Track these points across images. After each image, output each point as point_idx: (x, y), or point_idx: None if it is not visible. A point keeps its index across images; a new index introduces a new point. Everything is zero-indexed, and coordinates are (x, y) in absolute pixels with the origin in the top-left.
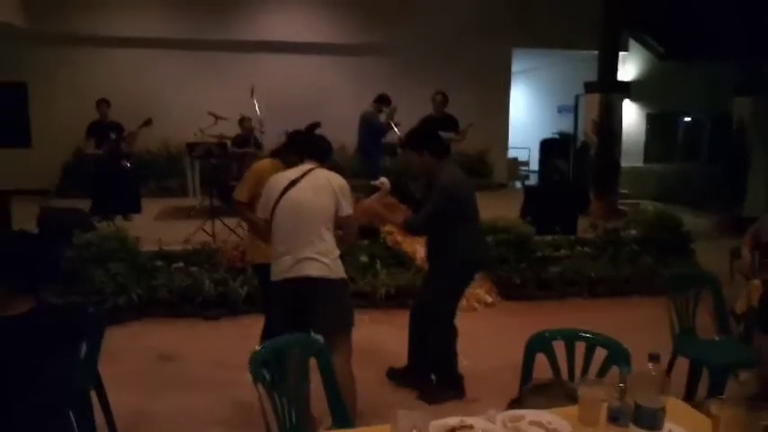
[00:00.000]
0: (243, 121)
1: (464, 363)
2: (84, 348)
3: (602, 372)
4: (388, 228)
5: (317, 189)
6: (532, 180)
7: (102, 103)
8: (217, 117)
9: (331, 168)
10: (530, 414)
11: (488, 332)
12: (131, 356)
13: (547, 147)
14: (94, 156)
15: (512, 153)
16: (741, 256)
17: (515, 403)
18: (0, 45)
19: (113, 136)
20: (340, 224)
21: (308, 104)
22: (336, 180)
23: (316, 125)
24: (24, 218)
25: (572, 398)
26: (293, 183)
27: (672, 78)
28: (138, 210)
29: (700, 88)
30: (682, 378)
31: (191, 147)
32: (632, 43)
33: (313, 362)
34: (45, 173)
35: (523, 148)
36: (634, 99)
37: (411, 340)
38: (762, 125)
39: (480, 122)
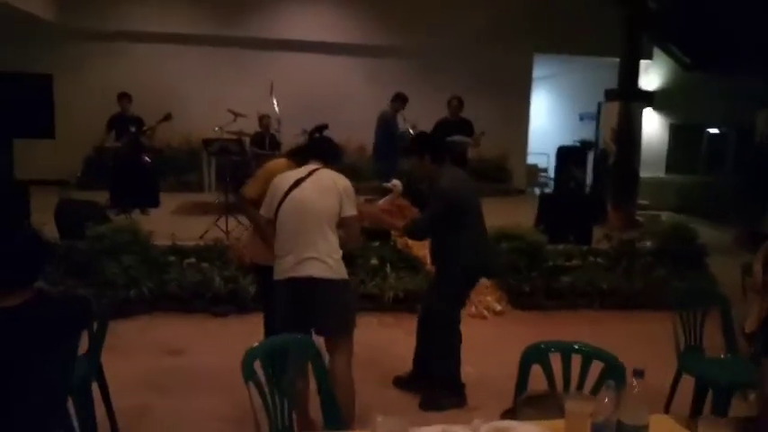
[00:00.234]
0: (262, 118)
1: (468, 370)
2: (81, 340)
3: (598, 385)
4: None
5: (322, 189)
6: (552, 187)
7: (124, 97)
8: (236, 114)
9: (337, 170)
10: (515, 426)
11: (495, 340)
12: (139, 350)
13: (563, 154)
14: (113, 149)
15: (532, 159)
16: (753, 273)
17: (509, 414)
18: (29, 37)
19: (133, 130)
20: (342, 225)
21: (326, 104)
22: (341, 181)
23: (323, 127)
24: (44, 208)
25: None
26: (298, 182)
27: (696, 89)
28: (156, 204)
29: (724, 100)
30: (688, 396)
31: (207, 143)
32: (657, 52)
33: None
34: (68, 164)
35: (543, 155)
36: (657, 109)
37: (418, 345)
38: None
39: (500, 128)
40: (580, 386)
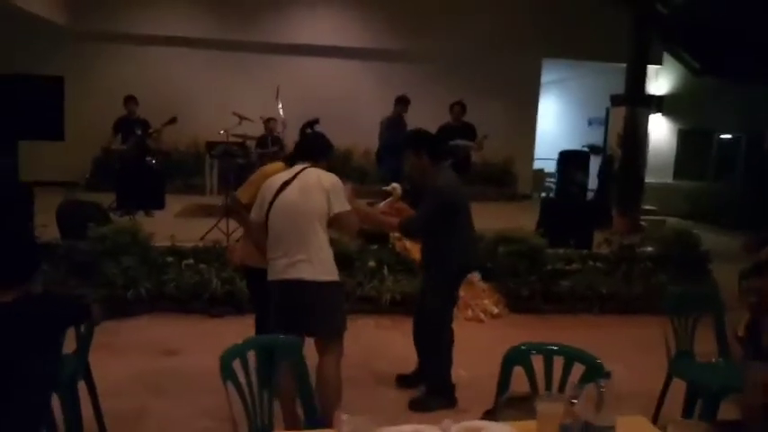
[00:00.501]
0: (267, 122)
1: (462, 373)
2: (65, 338)
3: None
4: (397, 234)
5: (308, 190)
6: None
7: (130, 100)
8: (241, 117)
9: (328, 168)
10: (485, 426)
11: (490, 343)
12: (135, 350)
13: (565, 159)
14: (119, 151)
15: (540, 164)
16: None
17: (490, 414)
18: (41, 40)
19: (139, 132)
20: (332, 223)
21: (333, 108)
22: (327, 178)
23: (314, 122)
24: (51, 209)
25: None
26: (285, 184)
27: (705, 94)
28: (161, 206)
29: (734, 106)
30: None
31: (210, 146)
32: (667, 57)
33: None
34: (77, 166)
35: (551, 159)
36: (666, 114)
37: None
38: None
39: (507, 132)
40: (562, 388)
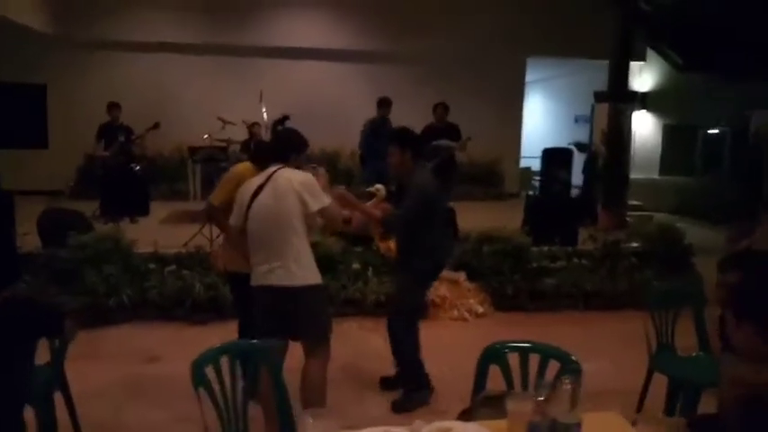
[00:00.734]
0: (252, 126)
1: (445, 372)
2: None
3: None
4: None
5: (281, 193)
6: None
7: (114, 107)
8: (225, 122)
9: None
10: (456, 426)
11: (475, 342)
12: (116, 357)
13: (549, 156)
14: (102, 158)
15: (527, 162)
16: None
17: (466, 414)
18: (22, 48)
19: (122, 138)
20: (311, 222)
21: (320, 110)
22: (297, 178)
23: (284, 118)
24: (34, 218)
25: None
26: (259, 189)
27: (690, 90)
28: (146, 212)
29: (719, 101)
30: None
31: (192, 150)
32: (651, 53)
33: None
34: (61, 174)
35: (537, 158)
36: (651, 110)
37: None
38: None
39: (493, 131)
40: (537, 386)
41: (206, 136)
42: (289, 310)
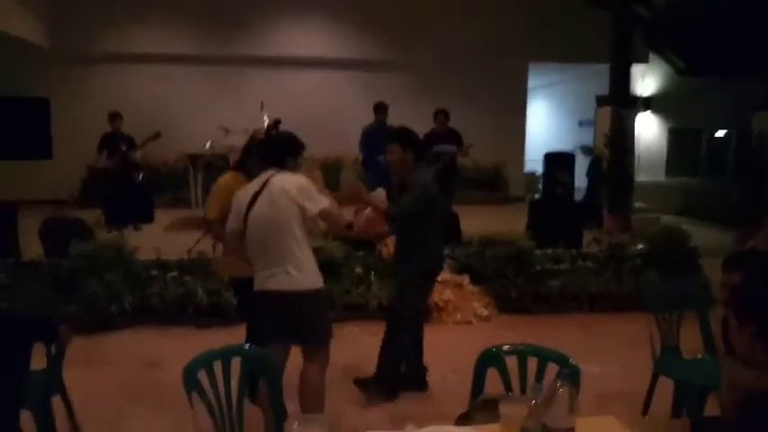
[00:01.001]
0: (254, 134)
1: (449, 376)
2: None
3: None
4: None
5: (276, 200)
6: None
7: (115, 117)
8: (227, 130)
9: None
10: (450, 430)
11: (479, 346)
12: (117, 363)
13: (550, 160)
14: (103, 168)
15: (532, 166)
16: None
17: (464, 418)
18: (25, 63)
19: (124, 148)
20: (311, 226)
21: (321, 119)
22: (293, 182)
23: (277, 122)
24: (38, 227)
25: None
26: (256, 196)
27: (693, 92)
28: (150, 220)
29: (722, 103)
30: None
31: (193, 158)
32: (653, 56)
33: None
34: (65, 184)
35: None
36: (655, 112)
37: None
38: None
39: (496, 137)
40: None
41: (208, 145)
42: (289, 315)
